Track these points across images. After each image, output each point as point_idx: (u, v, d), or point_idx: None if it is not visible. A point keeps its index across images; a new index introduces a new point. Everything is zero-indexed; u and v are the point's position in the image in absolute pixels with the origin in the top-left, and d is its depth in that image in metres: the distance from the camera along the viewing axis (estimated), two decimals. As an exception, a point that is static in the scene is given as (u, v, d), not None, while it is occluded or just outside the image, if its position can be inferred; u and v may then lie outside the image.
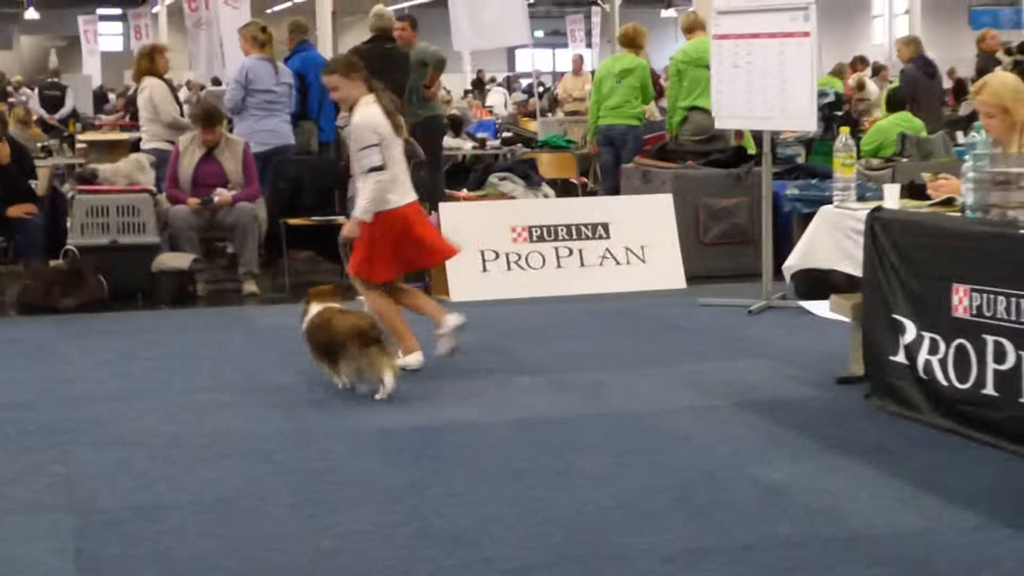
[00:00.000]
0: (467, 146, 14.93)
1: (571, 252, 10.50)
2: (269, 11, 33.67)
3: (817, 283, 8.23)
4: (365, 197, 7.46)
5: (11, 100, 21.43)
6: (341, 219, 10.90)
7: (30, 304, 9.92)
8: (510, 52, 44.38)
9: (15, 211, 10.27)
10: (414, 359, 7.64)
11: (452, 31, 14.94)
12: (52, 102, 22.05)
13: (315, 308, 7.36)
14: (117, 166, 11.10)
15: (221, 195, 10.53)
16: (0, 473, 5.85)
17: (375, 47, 12.33)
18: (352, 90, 7.53)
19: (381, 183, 7.45)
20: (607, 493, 5.42)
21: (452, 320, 7.70)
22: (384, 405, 6.94)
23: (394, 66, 11.94)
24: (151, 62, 12.01)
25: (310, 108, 12.27)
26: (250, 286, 10.58)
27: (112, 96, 30.78)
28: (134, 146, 12.62)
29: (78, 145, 15.02)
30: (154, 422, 6.73)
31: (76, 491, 5.59)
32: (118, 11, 42.80)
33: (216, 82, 15.75)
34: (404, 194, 7.63)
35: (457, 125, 16.60)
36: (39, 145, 13.98)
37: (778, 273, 8.58)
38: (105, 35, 39.47)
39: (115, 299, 10.05)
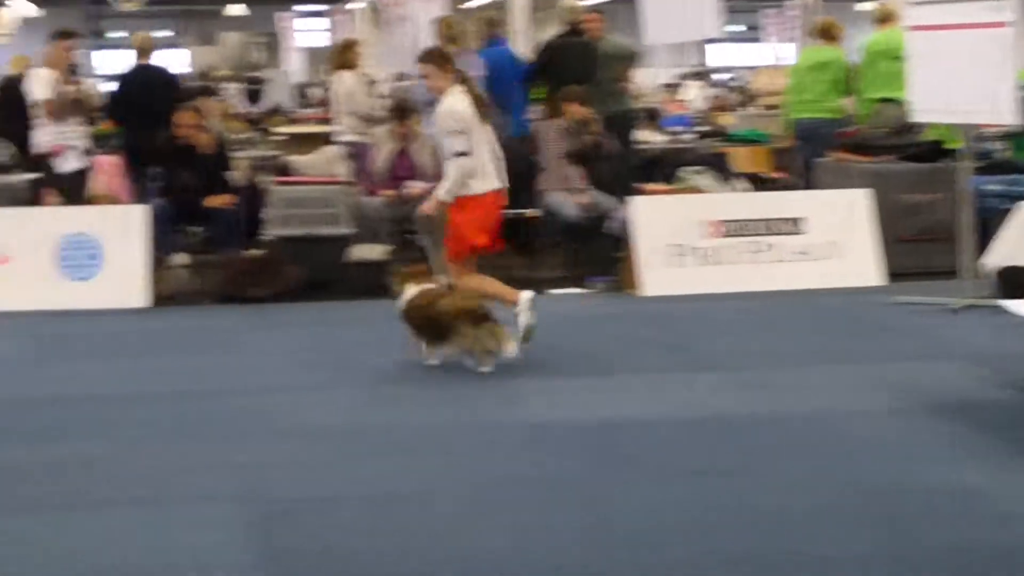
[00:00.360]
0: (659, 139, 14.77)
1: (765, 247, 10.33)
2: (463, 6, 33.84)
3: (1019, 281, 7.93)
4: (449, 180, 7.93)
5: (219, 95, 21.97)
6: (531, 212, 10.91)
7: (225, 293, 10.13)
8: (704, 47, 43.89)
9: (213, 201, 10.47)
10: (524, 299, 7.85)
11: (643, 24, 14.82)
12: (253, 96, 22.54)
13: (412, 289, 7.71)
14: (310, 158, 11.28)
15: (414, 188, 10.60)
16: (180, 461, 5.95)
17: (564, 40, 12.30)
18: (442, 81, 7.98)
19: (464, 168, 7.86)
20: (790, 496, 5.28)
21: (525, 296, 7.94)
22: (565, 401, 6.90)
23: (582, 59, 11.89)
24: (345, 56, 12.16)
25: (501, 101, 12.26)
26: (442, 280, 10.61)
27: (313, 90, 31.29)
28: (328, 139, 12.79)
29: (275, 138, 15.28)
30: (335, 414, 6.79)
31: (252, 481, 5.64)
32: (319, 7, 43.49)
33: (401, 77, 15.88)
34: (487, 181, 8.03)
35: (653, 118, 16.50)
36: (238, 137, 14.25)
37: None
38: (306, 31, 40.05)
39: (308, 289, 10.19)
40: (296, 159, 11.45)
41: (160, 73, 11.82)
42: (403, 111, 10.86)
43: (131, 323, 9.40)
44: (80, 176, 10.77)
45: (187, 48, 60.52)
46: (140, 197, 10.87)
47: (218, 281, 10.34)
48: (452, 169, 7.93)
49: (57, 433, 6.45)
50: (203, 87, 23.35)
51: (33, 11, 53.02)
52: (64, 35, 10.79)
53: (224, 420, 6.69)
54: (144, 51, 11.78)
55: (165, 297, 10.21)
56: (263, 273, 10.16)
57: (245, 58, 46.66)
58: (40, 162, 10.72)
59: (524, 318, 7.89)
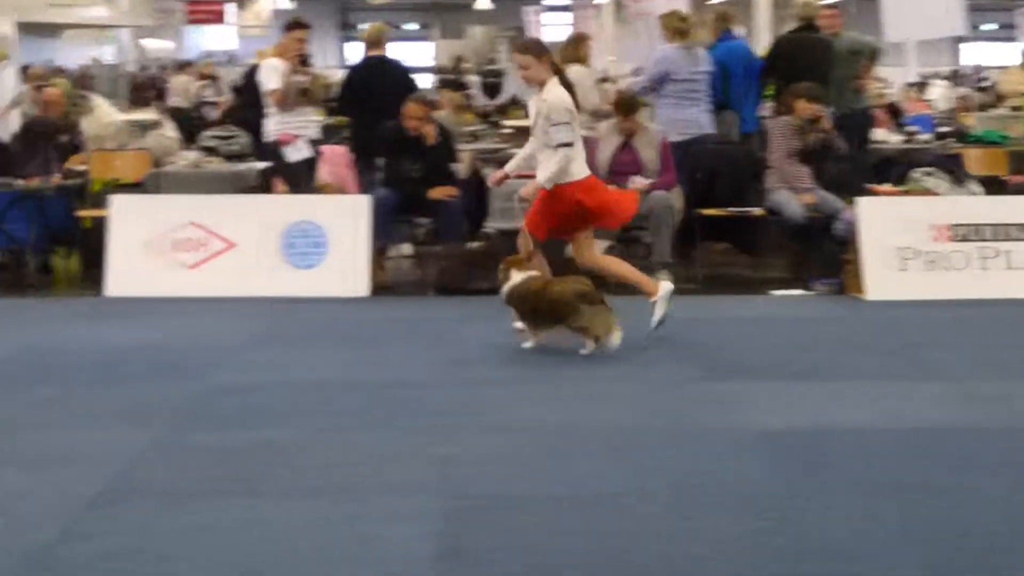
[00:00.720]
0: (895, 139, 14.35)
1: (997, 253, 9.91)
2: (708, 1, 33.51)
3: None
4: (551, 169, 8.15)
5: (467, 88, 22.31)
6: (757, 211, 10.69)
7: (446, 285, 10.19)
8: (957, 46, 42.61)
9: (437, 193, 10.53)
10: (664, 290, 8.37)
11: (884, 20, 14.41)
12: (492, 89, 22.77)
13: (519, 275, 8.09)
14: (526, 151, 11.24)
15: (637, 183, 10.49)
16: (381, 451, 5.95)
17: (797, 36, 12.03)
18: (542, 72, 8.21)
19: (569, 158, 8.16)
20: (1003, 516, 5.01)
21: (664, 287, 8.34)
22: (776, 405, 6.71)
23: (816, 56, 11.61)
24: (575, 50, 12.09)
25: (732, 98, 12.06)
26: (663, 276, 10.47)
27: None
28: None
29: (503, 130, 15.33)
30: (544, 410, 6.71)
31: (452, 475, 5.60)
32: (564, 2, 43.70)
33: (637, 72, 15.77)
34: (582, 168, 8.31)
35: (895, 116, 16.08)
36: (468, 130, 14.35)
37: None
38: (550, 25, 40.26)
39: (527, 283, 10.18)
40: (515, 151, 11.43)
41: (390, 64, 11.94)
42: (628, 106, 10.74)
43: (350, 312, 9.52)
44: (308, 165, 10.95)
45: (433, 41, 61.73)
46: (366, 187, 11.01)
47: (439, 272, 10.42)
48: (557, 157, 8.14)
49: (263, 419, 6.53)
50: (449, 79, 23.78)
51: (286, 4, 54.60)
52: (295, 25, 10.97)
53: (431, 411, 6.67)
54: (375, 43, 11.92)
55: (386, 287, 10.33)
56: (483, 266, 10.17)
57: (490, 52, 47.38)
58: (270, 151, 10.94)
59: (660, 308, 8.29)
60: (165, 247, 10.06)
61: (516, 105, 21.67)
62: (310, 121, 10.97)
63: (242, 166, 11.70)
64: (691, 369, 7.55)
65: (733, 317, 9.34)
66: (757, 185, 10.90)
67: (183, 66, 27.72)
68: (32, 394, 7.09)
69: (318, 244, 10.15)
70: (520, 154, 8.86)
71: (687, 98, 11.53)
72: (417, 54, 63.73)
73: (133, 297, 9.81)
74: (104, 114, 13.65)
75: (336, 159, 11.81)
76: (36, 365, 7.85)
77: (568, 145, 8.14)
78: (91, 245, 10.67)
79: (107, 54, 39.03)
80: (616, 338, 7.83)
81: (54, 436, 6.21)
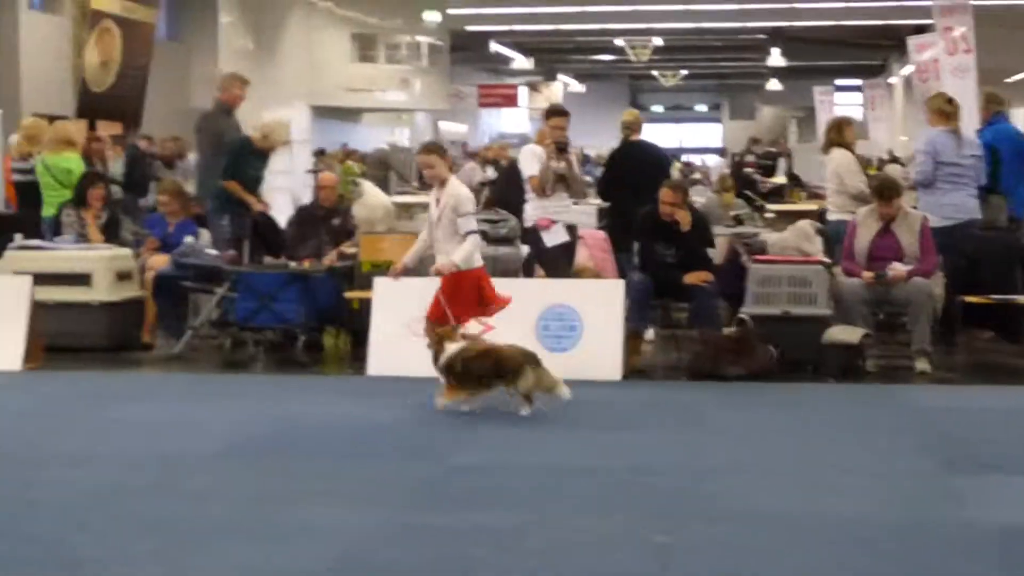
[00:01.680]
0: None
1: None
2: (1008, 80, 32.61)
3: None
4: (467, 248, 9.10)
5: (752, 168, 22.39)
6: (1021, 298, 10.37)
7: (698, 370, 10.19)
8: None
9: (691, 278, 10.56)
10: None
11: None
12: (767, 170, 22.72)
13: (454, 345, 8.80)
14: (784, 235, 11.19)
15: (896, 270, 10.32)
16: (595, 537, 5.98)
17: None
18: (443, 171, 9.27)
19: (476, 244, 9.23)
20: None
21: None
22: (1009, 502, 6.48)
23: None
24: (839, 134, 12.00)
25: (1002, 182, 11.75)
26: (922, 364, 10.27)
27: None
28: (806, 215, 12.69)
29: (767, 215, 15.27)
30: (781, 499, 6.66)
31: (672, 564, 5.62)
32: (855, 82, 43.22)
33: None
34: (479, 258, 9.31)
35: None
36: (731, 213, 14.37)
37: None
38: (842, 105, 39.79)
39: (783, 370, 10.10)
40: (771, 236, 11.39)
41: (646, 148, 12.08)
42: (888, 190, 10.59)
43: (601, 395, 9.58)
44: (565, 249, 11.14)
45: (722, 122, 61.74)
46: (622, 271, 11.12)
47: (692, 357, 10.42)
48: (469, 243, 9.10)
49: (490, 501, 6.67)
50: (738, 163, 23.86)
51: (577, 87, 55.41)
52: (553, 113, 11.23)
53: (658, 497, 6.69)
54: (633, 127, 12.09)
55: (639, 371, 10.39)
56: (738, 351, 10.14)
57: (780, 132, 47.05)
58: (529, 235, 11.18)
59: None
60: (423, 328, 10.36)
61: (796, 184, 21.53)
62: (567, 206, 11.17)
63: (503, 250, 11.96)
64: (933, 461, 7.37)
65: (989, 408, 9.06)
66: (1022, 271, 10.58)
67: (472, 154, 28.51)
68: (281, 468, 7.40)
69: (572, 327, 10.29)
70: (415, 247, 9.63)
71: (953, 182, 11.32)
72: (707, 134, 64.25)
73: (392, 376, 10.13)
74: (373, 198, 14.19)
75: (595, 243, 11.98)
76: (291, 440, 8.19)
77: (475, 233, 9.18)
78: (359, 326, 11.07)
79: (403, 137, 40.42)
80: (564, 391, 8.68)
81: (293, 511, 6.46)
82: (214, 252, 11.93)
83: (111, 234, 12.44)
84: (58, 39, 25.53)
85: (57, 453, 7.80)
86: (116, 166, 18.72)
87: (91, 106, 25.76)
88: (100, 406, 9.34)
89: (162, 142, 18.77)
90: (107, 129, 24.46)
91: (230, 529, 6.16)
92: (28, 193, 14.36)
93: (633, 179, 11.53)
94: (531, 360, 8.72)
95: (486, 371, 8.77)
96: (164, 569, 5.57)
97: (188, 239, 11.91)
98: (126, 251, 12.18)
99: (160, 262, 11.87)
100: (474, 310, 9.19)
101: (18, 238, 12.40)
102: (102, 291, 11.63)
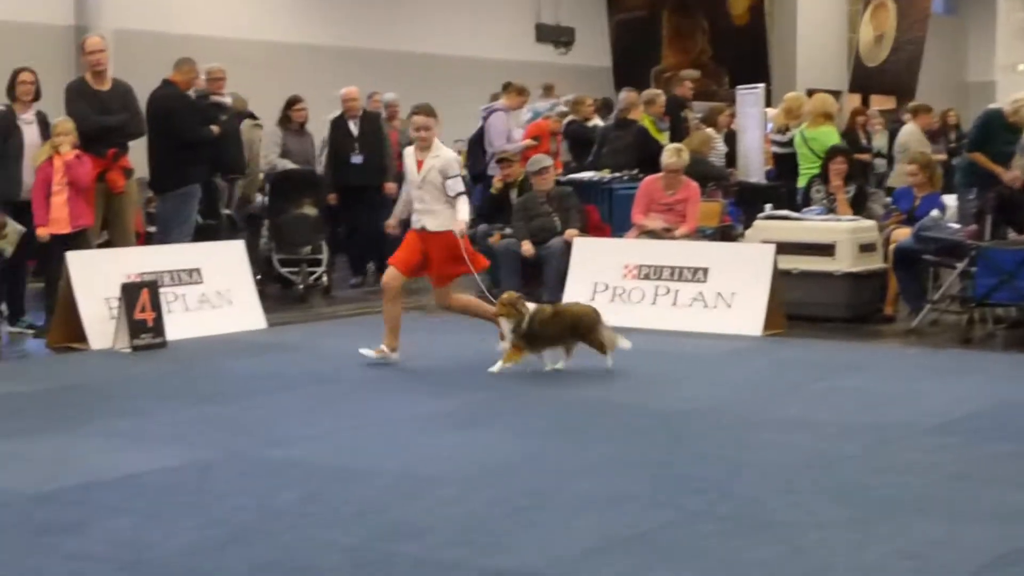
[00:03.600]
0: None
1: None
2: None
3: None
4: (466, 209, 9.70)
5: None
6: None
7: None
8: None
9: None
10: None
11: None
12: None
13: (528, 311, 9.26)
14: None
15: None
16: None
17: None
18: (435, 134, 9.76)
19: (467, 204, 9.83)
20: None
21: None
22: None
23: None
24: None
25: None
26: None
27: None
28: None
29: None
30: None
31: None
32: None
33: None
34: None
35: None
36: None
37: None
38: None
39: None
40: None
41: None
42: None
43: None
44: None
45: None
46: None
47: None
48: (465, 203, 9.66)
49: None
50: None
51: None
52: None
53: None
54: None
55: None
56: None
57: None
58: None
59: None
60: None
61: None
62: None
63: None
64: None
65: None
66: None
67: None
68: (990, 448, 7.25)
69: None
70: (399, 205, 10.31)
71: None
72: None
73: None
74: None
75: None
76: (1008, 420, 7.97)
77: (464, 193, 9.65)
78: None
79: None
80: (626, 343, 9.37)
81: (988, 492, 6.32)
82: (956, 226, 11.74)
83: (859, 206, 12.58)
84: (833, 14, 26.00)
85: (775, 417, 8.06)
86: (880, 139, 18.89)
87: (864, 80, 26.09)
88: (826, 374, 9.50)
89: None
90: (880, 103, 24.68)
91: (921, 504, 6.12)
92: (785, 164, 14.86)
93: None
94: (600, 316, 9.42)
95: (562, 331, 9.33)
96: (857, 536, 5.62)
97: (934, 213, 11.79)
98: (870, 223, 12.26)
99: (903, 235, 11.85)
100: (452, 269, 9.77)
101: (768, 208, 12.86)
102: (845, 262, 11.80)
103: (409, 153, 9.91)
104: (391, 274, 9.85)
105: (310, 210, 13.95)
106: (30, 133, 11.29)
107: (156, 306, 10.50)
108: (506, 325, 9.34)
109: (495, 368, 9.35)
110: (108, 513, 5.96)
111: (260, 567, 5.21)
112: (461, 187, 9.73)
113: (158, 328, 10.51)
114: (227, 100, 13.80)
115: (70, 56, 17.00)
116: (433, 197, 9.71)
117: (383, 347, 9.76)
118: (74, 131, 11.16)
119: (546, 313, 9.41)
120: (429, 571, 5.19)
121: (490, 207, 13.86)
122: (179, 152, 12.40)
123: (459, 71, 22.10)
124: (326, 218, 14.29)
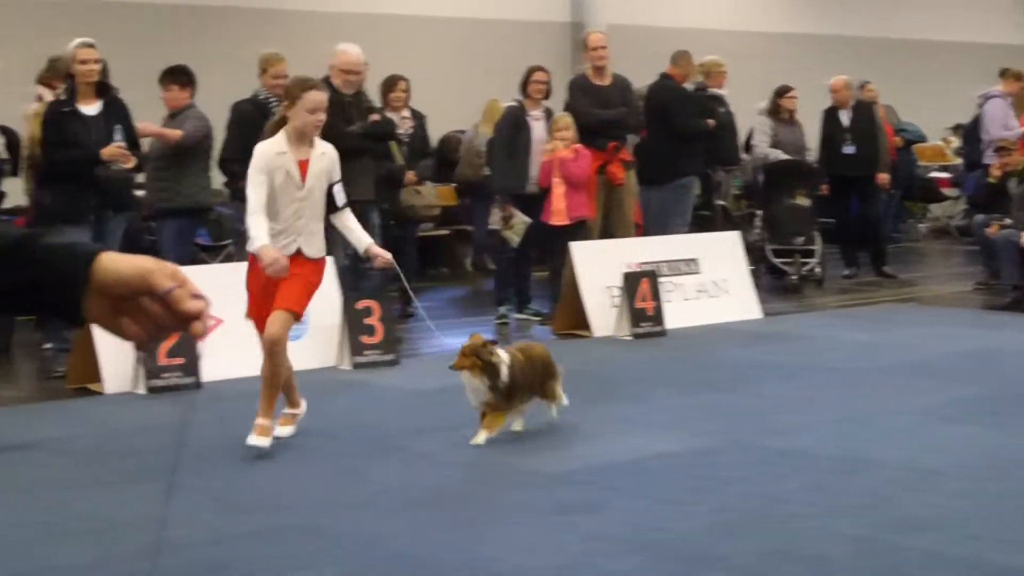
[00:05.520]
0: None
1: None
2: None
3: None
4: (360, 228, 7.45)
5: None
6: None
7: None
8: None
9: None
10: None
11: None
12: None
13: (504, 354, 7.15)
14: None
15: None
16: None
17: None
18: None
19: None
20: None
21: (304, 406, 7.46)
22: None
23: None
24: None
25: None
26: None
27: None
28: None
29: None
30: None
31: None
32: None
33: None
34: None
35: None
36: None
37: None
38: None
39: None
40: None
41: None
42: None
43: None
44: None
45: None
46: None
47: None
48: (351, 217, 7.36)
49: None
50: None
51: None
52: None
53: None
54: None
55: None
56: None
57: None
58: None
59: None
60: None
61: None
62: None
63: None
64: None
65: None
66: None
67: None
68: None
69: None
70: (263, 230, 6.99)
71: None
72: None
73: None
74: None
75: None
76: None
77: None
78: None
79: None
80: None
81: None
82: None
83: None
84: None
85: None
86: None
87: None
88: None
89: None
90: None
91: None
92: None
93: None
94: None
95: (535, 378, 7.42)
96: None
97: None
98: None
99: None
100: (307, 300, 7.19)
101: None
102: None
103: None
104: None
105: (803, 200, 13.94)
106: (538, 129, 11.83)
107: (656, 295, 10.84)
108: (474, 383, 7.18)
109: (480, 439, 7.22)
110: (620, 495, 6.23)
111: (768, 554, 5.32)
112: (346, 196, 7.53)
113: (657, 316, 10.85)
114: (724, 93, 13.99)
115: (565, 51, 17.67)
116: (316, 212, 7.34)
117: None
118: (572, 127, 11.62)
119: (519, 358, 7.36)
120: (939, 565, 5.16)
121: (987, 197, 13.44)
122: (675, 144, 12.68)
123: (947, 57, 21.47)
124: (818, 208, 14.25)
